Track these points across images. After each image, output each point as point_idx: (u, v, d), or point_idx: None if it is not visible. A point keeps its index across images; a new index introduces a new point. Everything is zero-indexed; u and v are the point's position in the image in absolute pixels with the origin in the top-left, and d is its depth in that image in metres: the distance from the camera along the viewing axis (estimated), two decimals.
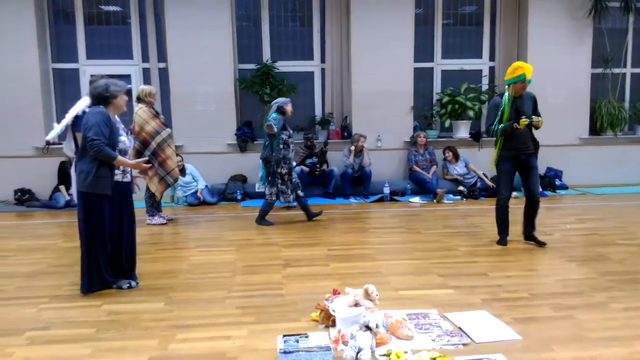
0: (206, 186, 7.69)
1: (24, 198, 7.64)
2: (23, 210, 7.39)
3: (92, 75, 4.34)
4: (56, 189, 7.58)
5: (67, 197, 7.45)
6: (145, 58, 8.20)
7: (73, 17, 8.09)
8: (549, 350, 2.79)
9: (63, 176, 7.55)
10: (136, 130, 5.94)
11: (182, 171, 7.34)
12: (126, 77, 7.94)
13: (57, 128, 4.50)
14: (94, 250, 3.74)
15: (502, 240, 5.02)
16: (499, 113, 4.73)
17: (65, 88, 8.26)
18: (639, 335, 2.96)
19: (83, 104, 4.46)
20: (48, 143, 7.79)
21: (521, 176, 4.90)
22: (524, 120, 4.59)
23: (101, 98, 3.74)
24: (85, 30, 8.13)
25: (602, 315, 3.27)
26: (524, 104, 4.77)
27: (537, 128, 4.74)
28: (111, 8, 8.20)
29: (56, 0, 8.10)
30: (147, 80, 8.15)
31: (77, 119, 4.42)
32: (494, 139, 4.90)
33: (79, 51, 8.14)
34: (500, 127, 4.72)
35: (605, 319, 3.21)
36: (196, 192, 7.55)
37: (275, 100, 6.08)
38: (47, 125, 8.00)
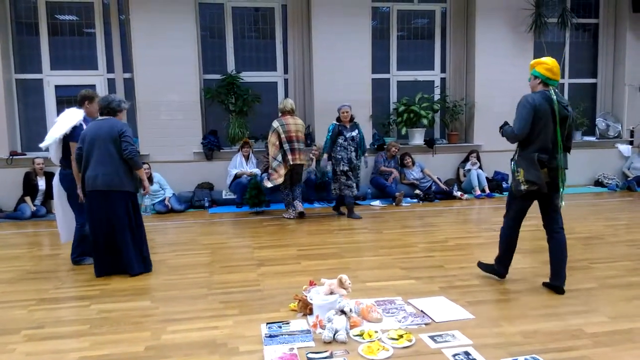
0: (173, 194, 7.87)
1: None
2: None
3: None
4: (21, 200, 7.57)
5: (33, 208, 7.47)
6: (110, 68, 8.31)
7: (36, 28, 8.11)
8: (498, 326, 3.24)
9: (28, 187, 7.55)
10: None
11: (150, 180, 7.49)
12: (91, 88, 8.01)
13: (53, 137, 4.66)
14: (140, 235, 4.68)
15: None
16: None
17: (28, 98, 8.25)
18: (574, 312, 3.46)
19: (79, 115, 4.68)
20: (13, 154, 7.84)
21: None
22: None
23: (114, 110, 4.48)
24: (49, 41, 8.17)
25: (543, 297, 3.77)
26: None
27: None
28: (75, 18, 8.27)
29: (19, 11, 8.11)
30: (112, 90, 8.27)
31: (74, 129, 4.61)
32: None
33: (43, 61, 8.16)
34: None
35: (545, 299, 3.71)
36: (164, 200, 7.72)
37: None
38: (11, 136, 7.99)
